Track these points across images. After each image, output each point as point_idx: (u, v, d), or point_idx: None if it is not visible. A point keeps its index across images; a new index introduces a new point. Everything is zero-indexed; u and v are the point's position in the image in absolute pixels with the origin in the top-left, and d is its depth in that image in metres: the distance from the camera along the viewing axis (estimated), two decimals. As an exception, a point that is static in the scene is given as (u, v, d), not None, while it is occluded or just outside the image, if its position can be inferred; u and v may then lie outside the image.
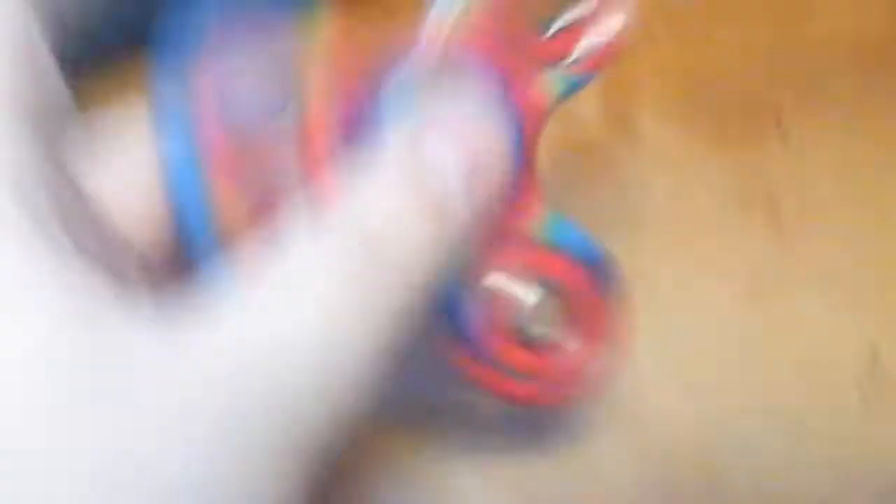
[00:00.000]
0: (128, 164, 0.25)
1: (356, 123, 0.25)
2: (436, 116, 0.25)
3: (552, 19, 0.27)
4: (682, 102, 0.41)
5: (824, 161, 0.40)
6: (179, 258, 0.25)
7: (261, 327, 0.23)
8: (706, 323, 0.37)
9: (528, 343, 0.28)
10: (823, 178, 0.39)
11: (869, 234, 0.39)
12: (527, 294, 0.27)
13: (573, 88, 0.27)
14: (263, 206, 0.25)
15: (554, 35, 0.27)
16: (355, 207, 0.24)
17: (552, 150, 0.35)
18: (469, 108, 0.25)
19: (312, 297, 0.23)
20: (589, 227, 0.31)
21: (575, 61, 0.27)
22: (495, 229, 0.26)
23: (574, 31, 0.27)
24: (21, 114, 0.24)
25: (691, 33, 0.43)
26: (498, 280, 0.27)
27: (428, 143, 0.25)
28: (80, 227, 0.24)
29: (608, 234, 0.32)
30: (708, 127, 0.41)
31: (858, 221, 0.39)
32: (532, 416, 0.33)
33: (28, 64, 0.24)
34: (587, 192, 0.39)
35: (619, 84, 0.41)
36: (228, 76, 0.24)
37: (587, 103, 0.41)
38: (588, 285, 0.28)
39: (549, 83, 0.27)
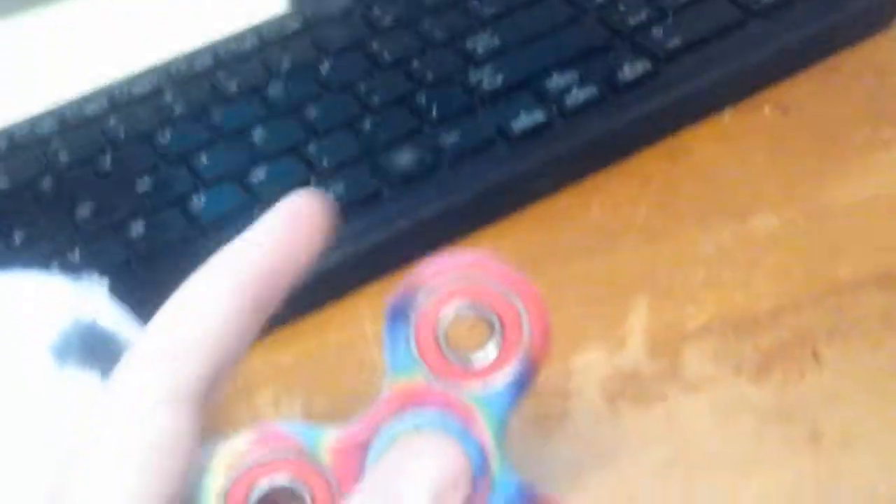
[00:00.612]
0: None
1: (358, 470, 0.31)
2: (408, 452, 0.30)
3: (473, 355, 0.32)
4: (724, 344, 0.47)
5: (856, 377, 0.46)
6: None
7: None
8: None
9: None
10: (857, 394, 0.45)
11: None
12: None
13: (506, 409, 0.32)
14: None
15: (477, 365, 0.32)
16: None
17: (610, 395, 0.46)
18: (433, 441, 0.31)
19: None
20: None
21: (499, 385, 0.31)
22: None
23: (494, 361, 0.31)
24: None
25: (730, 281, 0.49)
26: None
27: (401, 474, 0.30)
28: None
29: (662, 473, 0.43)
30: (749, 364, 0.46)
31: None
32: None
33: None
34: (639, 429, 0.45)
35: (664, 330, 0.48)
36: None
37: (636, 353, 0.47)
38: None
39: (484, 411, 0.31)
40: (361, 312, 0.50)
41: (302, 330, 0.50)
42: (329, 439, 0.31)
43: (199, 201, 0.52)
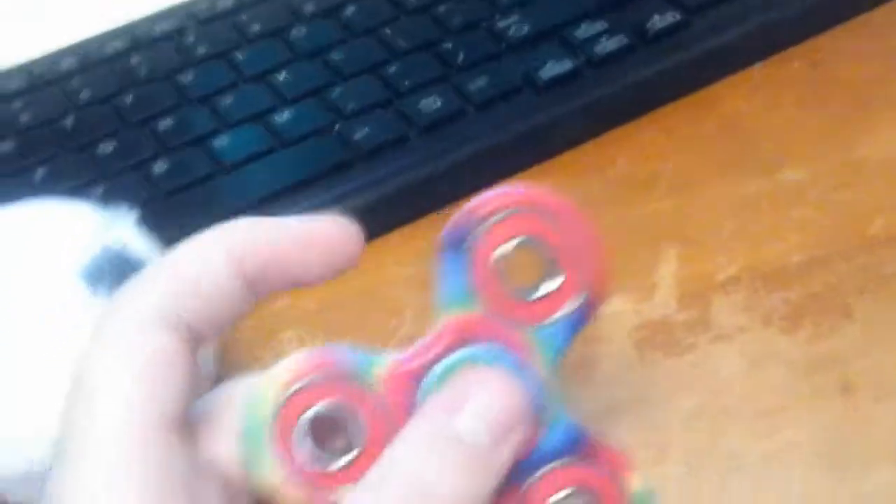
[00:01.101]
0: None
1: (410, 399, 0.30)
2: (465, 386, 0.30)
3: (530, 289, 0.31)
4: (754, 295, 0.46)
5: (887, 331, 0.45)
6: None
7: None
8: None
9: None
10: (887, 348, 0.45)
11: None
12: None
13: (562, 345, 0.31)
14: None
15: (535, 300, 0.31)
16: (400, 471, 0.28)
17: (639, 344, 0.45)
18: (492, 375, 0.30)
19: None
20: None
21: (556, 321, 0.31)
22: None
23: (552, 296, 0.30)
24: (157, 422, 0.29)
25: (759, 233, 0.49)
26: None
27: (459, 409, 0.29)
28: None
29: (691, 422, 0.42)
30: (779, 315, 0.46)
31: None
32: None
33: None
34: (669, 377, 0.44)
35: (693, 280, 0.47)
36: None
37: (665, 302, 0.47)
38: None
39: (539, 346, 0.31)
40: (387, 257, 0.49)
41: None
42: (382, 367, 0.30)
43: (221, 141, 0.51)
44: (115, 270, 0.37)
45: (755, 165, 0.52)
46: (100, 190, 0.49)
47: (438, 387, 0.30)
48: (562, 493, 0.30)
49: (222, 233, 0.32)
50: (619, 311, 0.46)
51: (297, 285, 0.33)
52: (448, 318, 0.31)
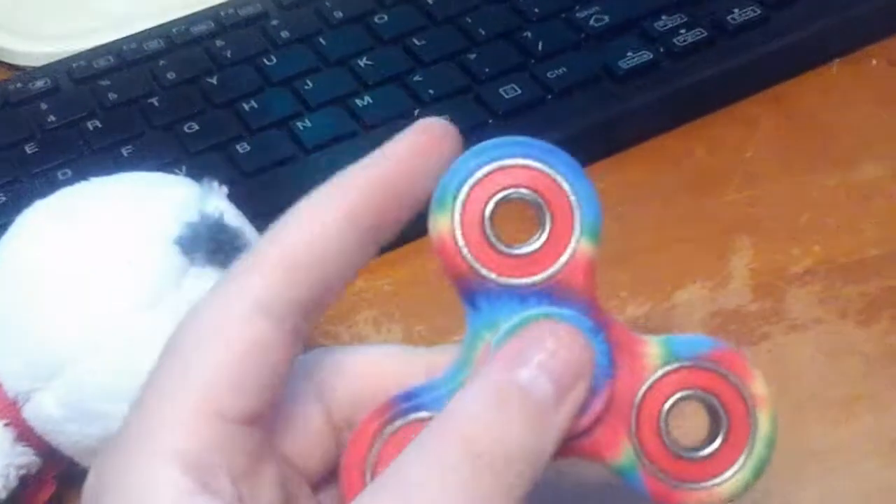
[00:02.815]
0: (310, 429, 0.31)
1: None
2: (531, 339, 0.29)
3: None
4: (830, 287, 0.47)
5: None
6: None
7: None
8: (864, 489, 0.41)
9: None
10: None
11: None
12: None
13: None
14: None
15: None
16: (463, 422, 0.28)
17: (713, 332, 0.45)
18: (559, 329, 0.29)
19: None
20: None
21: None
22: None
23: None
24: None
25: (836, 226, 0.49)
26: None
27: (525, 361, 0.29)
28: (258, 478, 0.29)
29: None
30: (856, 311, 0.46)
31: None
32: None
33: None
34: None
35: (768, 271, 0.47)
36: None
37: (740, 292, 0.47)
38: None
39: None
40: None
41: (403, 256, 0.49)
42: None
43: (303, 124, 0.52)
44: (211, 238, 0.38)
45: (832, 160, 0.52)
46: (183, 168, 0.50)
47: (508, 339, 0.30)
48: (678, 395, 0.30)
49: (334, 193, 0.31)
50: (693, 299, 0.47)
51: (414, 207, 0.32)
52: None
